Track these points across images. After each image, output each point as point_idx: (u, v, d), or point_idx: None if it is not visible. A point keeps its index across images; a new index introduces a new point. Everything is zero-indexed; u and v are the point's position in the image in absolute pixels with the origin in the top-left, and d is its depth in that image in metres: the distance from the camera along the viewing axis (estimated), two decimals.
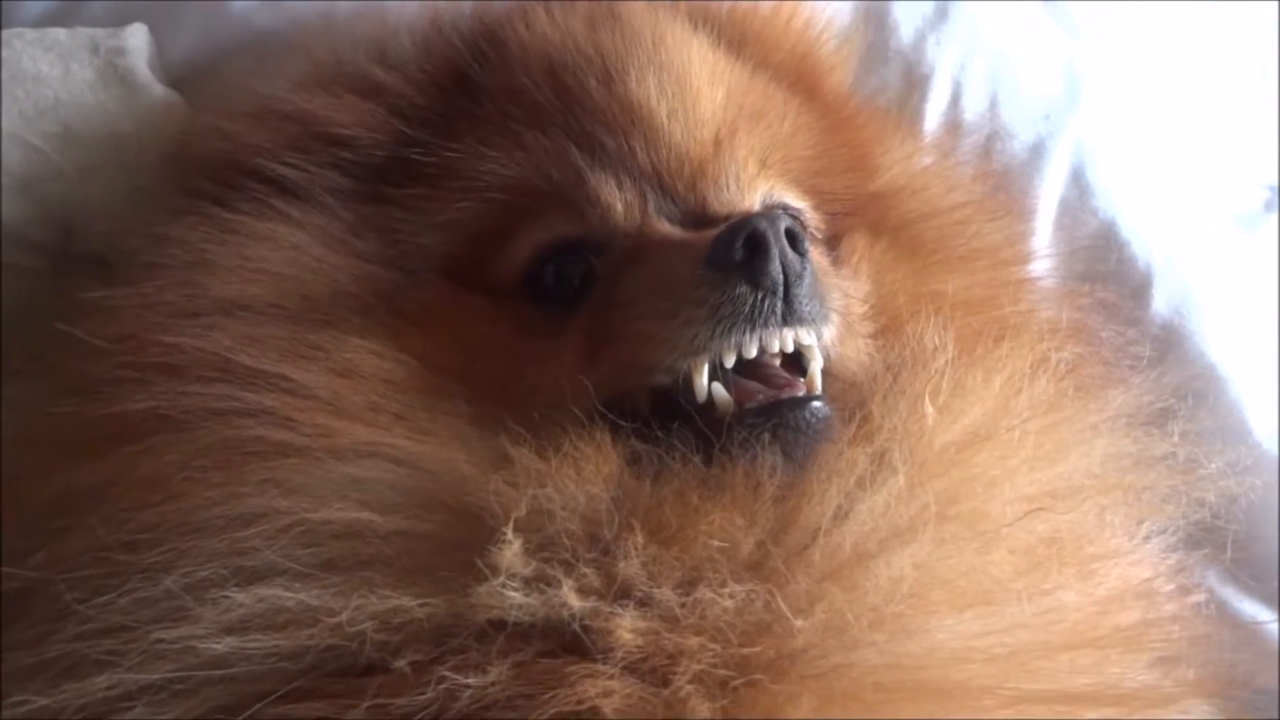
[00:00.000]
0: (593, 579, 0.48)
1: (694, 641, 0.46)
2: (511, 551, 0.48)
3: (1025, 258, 0.77)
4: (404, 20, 0.71)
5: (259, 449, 0.52)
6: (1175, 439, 0.61)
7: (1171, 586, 0.61)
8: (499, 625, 0.47)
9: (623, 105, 0.61)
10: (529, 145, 0.61)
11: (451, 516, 0.50)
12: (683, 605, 0.47)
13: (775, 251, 0.52)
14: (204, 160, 0.64)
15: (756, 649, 0.46)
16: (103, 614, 0.49)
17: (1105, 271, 0.84)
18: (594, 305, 0.57)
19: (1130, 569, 0.57)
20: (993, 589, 0.51)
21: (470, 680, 0.45)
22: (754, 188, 0.61)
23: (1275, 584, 0.78)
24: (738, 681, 0.45)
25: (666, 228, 0.58)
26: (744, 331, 0.53)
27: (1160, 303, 0.83)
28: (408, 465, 0.51)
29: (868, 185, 0.69)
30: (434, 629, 0.47)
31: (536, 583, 0.47)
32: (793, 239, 0.53)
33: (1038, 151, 0.85)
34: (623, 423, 0.53)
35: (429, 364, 0.56)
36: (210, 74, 0.74)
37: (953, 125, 0.85)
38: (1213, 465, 0.61)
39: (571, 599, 0.47)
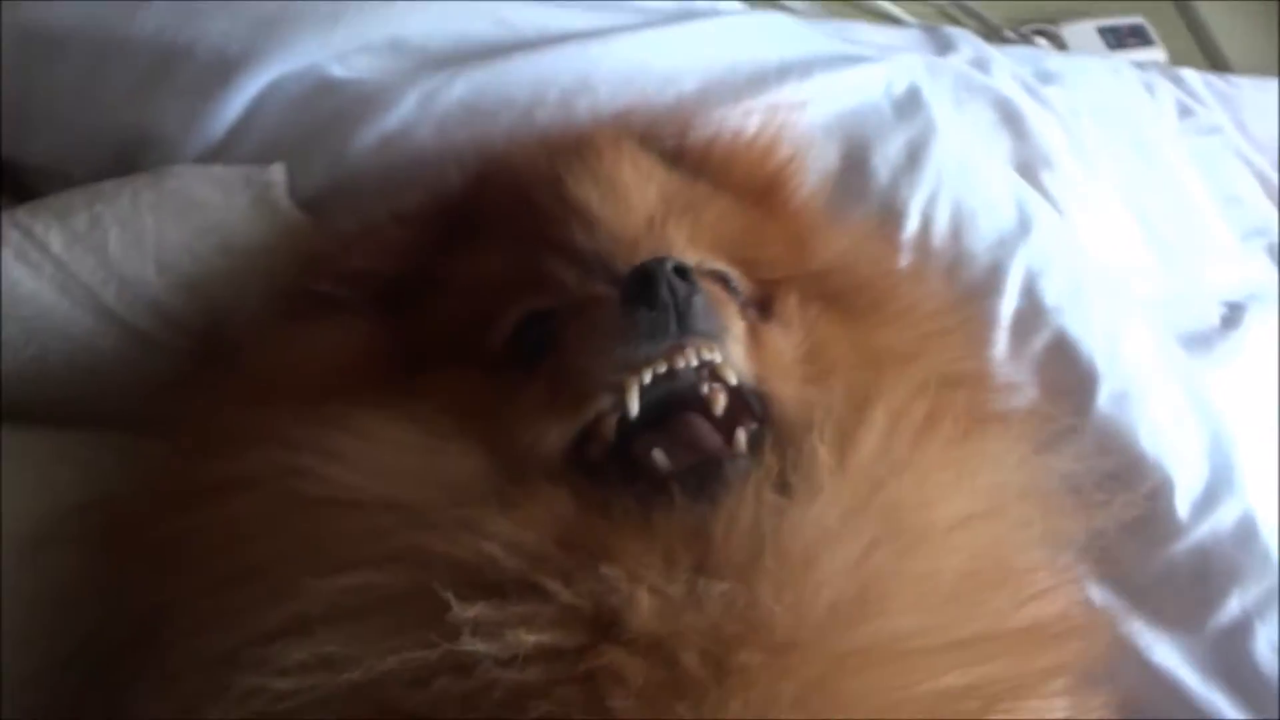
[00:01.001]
0: (546, 612, 0.56)
1: (692, 629, 0.56)
2: (467, 609, 0.56)
3: (960, 315, 0.89)
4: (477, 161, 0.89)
5: (301, 501, 0.63)
6: (1084, 455, 0.73)
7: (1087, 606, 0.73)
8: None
9: (565, 203, 0.75)
10: (502, 246, 0.77)
11: (424, 571, 0.59)
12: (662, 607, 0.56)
13: (663, 280, 0.65)
14: (286, 282, 0.83)
15: (744, 640, 0.56)
16: (201, 657, 0.59)
17: (1057, 372, 0.98)
18: (550, 356, 0.70)
19: (1051, 584, 0.68)
20: (936, 591, 0.62)
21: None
22: (684, 257, 0.72)
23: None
24: (733, 664, 0.55)
25: (603, 288, 0.71)
26: (648, 344, 0.65)
27: (1103, 399, 0.96)
28: (407, 514, 0.62)
29: (803, 265, 0.82)
30: (452, 666, 0.56)
31: (494, 628, 0.56)
32: (681, 272, 0.66)
33: (994, 270, 1.01)
34: (585, 467, 0.64)
35: (430, 428, 0.67)
36: (329, 205, 0.92)
37: (922, 248, 1.01)
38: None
39: (524, 637, 0.55)
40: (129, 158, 0.95)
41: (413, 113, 0.94)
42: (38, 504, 0.74)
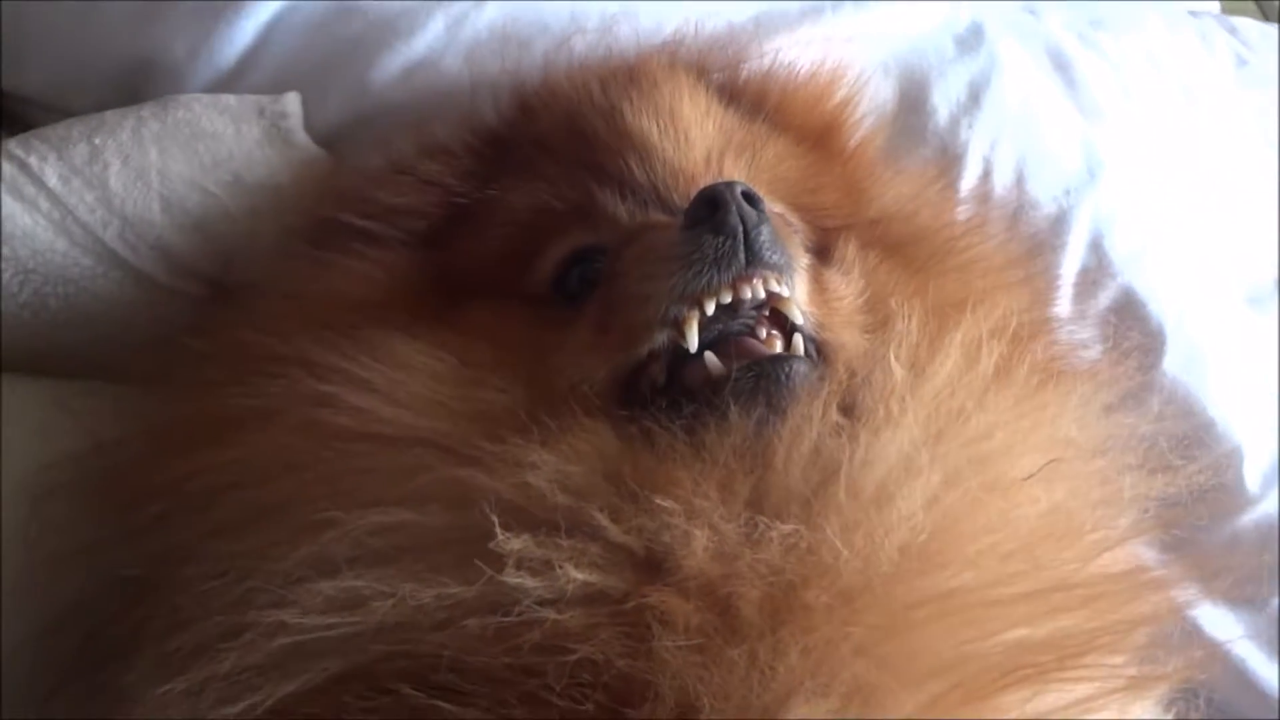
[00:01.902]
0: (593, 550, 0.53)
1: (750, 571, 0.51)
2: (511, 541, 0.52)
3: (1025, 270, 0.85)
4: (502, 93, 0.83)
5: (327, 434, 0.59)
6: (1152, 417, 0.68)
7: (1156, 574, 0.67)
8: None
9: (622, 134, 0.72)
10: (549, 176, 0.73)
11: (464, 507, 0.55)
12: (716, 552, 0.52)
13: (732, 204, 0.61)
14: (308, 216, 0.78)
15: (807, 583, 0.52)
16: (215, 600, 0.55)
17: (1123, 330, 0.90)
18: (599, 292, 0.66)
19: (1118, 540, 0.63)
20: (1009, 541, 0.57)
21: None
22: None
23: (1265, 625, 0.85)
24: (793, 607, 0.51)
25: (660, 218, 0.67)
26: (714, 273, 0.60)
27: (1171, 361, 0.91)
28: (442, 448, 0.58)
29: (861, 211, 0.78)
30: (489, 604, 0.52)
31: (540, 564, 0.52)
32: (750, 199, 0.62)
33: (1060, 222, 0.94)
34: (629, 405, 0.60)
35: (467, 361, 0.64)
36: (350, 138, 0.86)
37: (983, 196, 0.94)
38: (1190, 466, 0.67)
39: (572, 573, 0.52)
40: (132, 88, 0.88)
41: (440, 39, 0.88)
42: (37, 456, 0.70)
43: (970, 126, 0.97)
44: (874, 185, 0.82)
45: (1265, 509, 0.88)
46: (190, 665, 0.54)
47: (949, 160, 0.95)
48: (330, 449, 0.59)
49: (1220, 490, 0.86)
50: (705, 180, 0.68)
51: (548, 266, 0.70)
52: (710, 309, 0.61)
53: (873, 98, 0.91)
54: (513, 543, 0.53)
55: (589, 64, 0.82)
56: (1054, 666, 0.54)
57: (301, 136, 0.82)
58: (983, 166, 0.96)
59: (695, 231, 0.61)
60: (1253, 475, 0.88)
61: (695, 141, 0.72)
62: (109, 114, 0.80)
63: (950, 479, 0.57)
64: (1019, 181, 0.96)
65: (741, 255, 0.61)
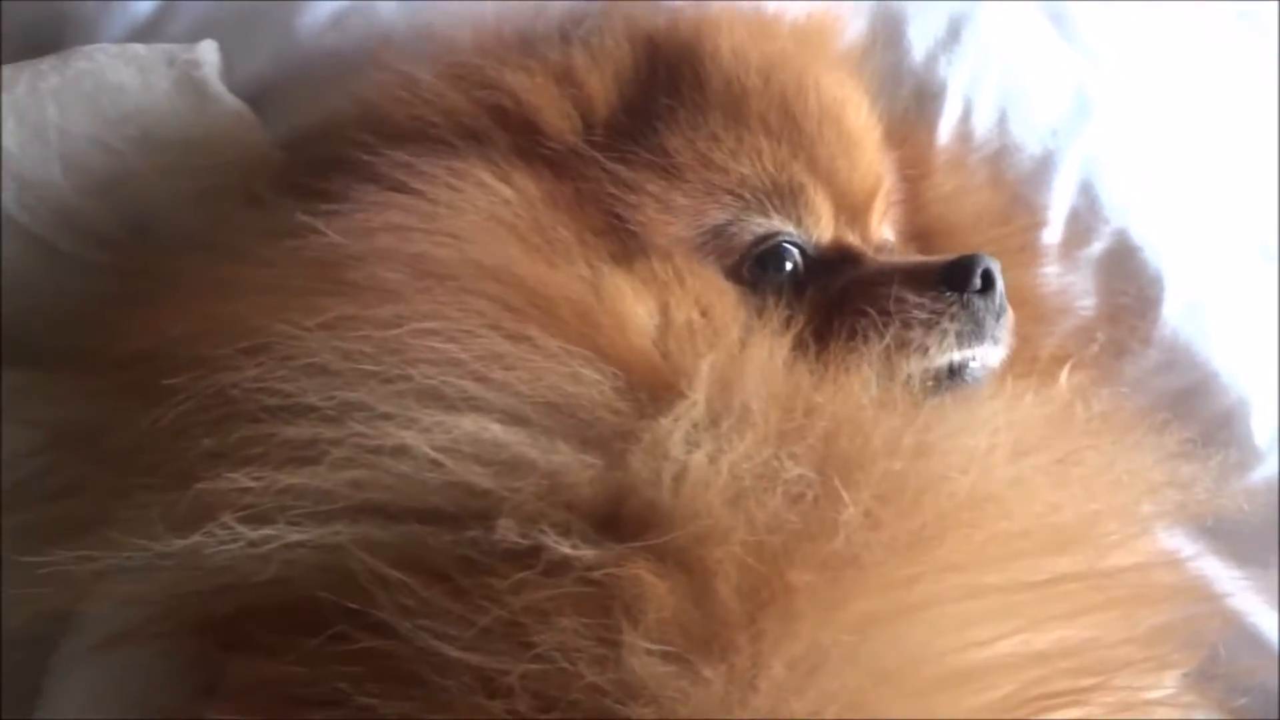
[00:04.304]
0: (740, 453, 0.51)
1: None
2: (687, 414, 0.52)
3: (1037, 255, 0.86)
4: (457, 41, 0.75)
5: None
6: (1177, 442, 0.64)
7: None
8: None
9: (843, 136, 0.72)
10: (756, 149, 0.70)
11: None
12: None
13: (1000, 287, 0.67)
14: (392, 115, 0.67)
15: (791, 563, 0.47)
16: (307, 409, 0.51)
17: (1119, 279, 0.87)
18: (816, 293, 0.68)
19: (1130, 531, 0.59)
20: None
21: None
22: (882, 222, 0.76)
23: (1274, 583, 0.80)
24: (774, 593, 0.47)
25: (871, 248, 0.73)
26: (976, 343, 0.67)
27: (1170, 309, 0.86)
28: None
29: (917, 216, 0.81)
30: (595, 504, 0.50)
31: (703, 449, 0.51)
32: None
33: (1045, 164, 0.88)
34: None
35: (669, 315, 0.62)
36: (280, 91, 0.80)
37: (963, 138, 0.88)
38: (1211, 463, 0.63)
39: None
40: (43, 43, 0.81)
41: None
42: None
43: (949, 63, 0.91)
44: (929, 188, 0.84)
45: (1272, 467, 0.83)
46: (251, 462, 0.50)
47: (925, 97, 0.89)
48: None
49: (1228, 446, 0.80)
50: (874, 201, 0.74)
51: (743, 241, 0.69)
52: (957, 359, 0.66)
53: (843, 31, 0.85)
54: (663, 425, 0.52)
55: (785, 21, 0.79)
56: (1092, 689, 0.49)
57: (217, 87, 0.75)
58: (963, 105, 0.90)
59: (964, 295, 0.66)
60: (1261, 430, 0.83)
61: (872, 163, 0.76)
62: (4, 69, 0.74)
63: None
64: (1001, 121, 0.90)
65: (995, 334, 0.68)
